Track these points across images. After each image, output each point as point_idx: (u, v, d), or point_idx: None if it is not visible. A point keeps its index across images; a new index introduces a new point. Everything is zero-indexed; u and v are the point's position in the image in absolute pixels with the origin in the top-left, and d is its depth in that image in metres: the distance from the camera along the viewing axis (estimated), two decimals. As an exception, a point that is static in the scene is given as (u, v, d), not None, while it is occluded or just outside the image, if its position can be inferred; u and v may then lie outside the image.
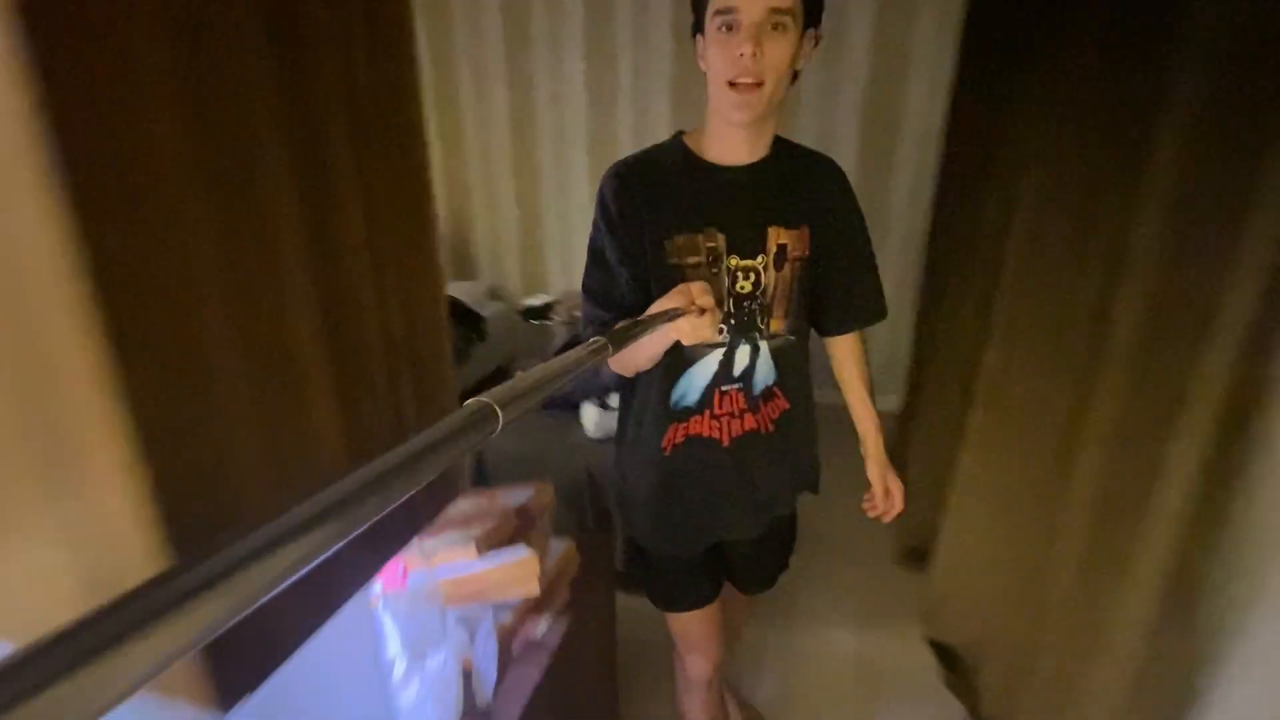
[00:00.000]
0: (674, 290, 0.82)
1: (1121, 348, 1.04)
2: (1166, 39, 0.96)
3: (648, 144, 1.00)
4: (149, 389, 0.42)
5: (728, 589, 1.23)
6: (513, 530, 1.08)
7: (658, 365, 0.97)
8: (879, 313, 1.09)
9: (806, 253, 0.97)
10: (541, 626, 1.07)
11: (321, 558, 0.22)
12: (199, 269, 0.47)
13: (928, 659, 1.66)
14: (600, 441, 1.86)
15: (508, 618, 1.04)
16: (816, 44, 0.88)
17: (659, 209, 0.93)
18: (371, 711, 0.83)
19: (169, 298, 0.45)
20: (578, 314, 1.35)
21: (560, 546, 1.17)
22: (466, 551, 0.99)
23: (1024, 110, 1.41)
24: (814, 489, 1.18)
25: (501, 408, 0.34)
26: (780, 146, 0.97)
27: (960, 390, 1.62)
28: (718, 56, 0.83)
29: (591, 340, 0.54)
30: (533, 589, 1.02)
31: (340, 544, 0.24)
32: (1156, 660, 0.95)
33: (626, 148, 1.25)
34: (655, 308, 0.83)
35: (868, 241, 1.05)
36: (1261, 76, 0.83)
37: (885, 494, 1.11)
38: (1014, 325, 1.38)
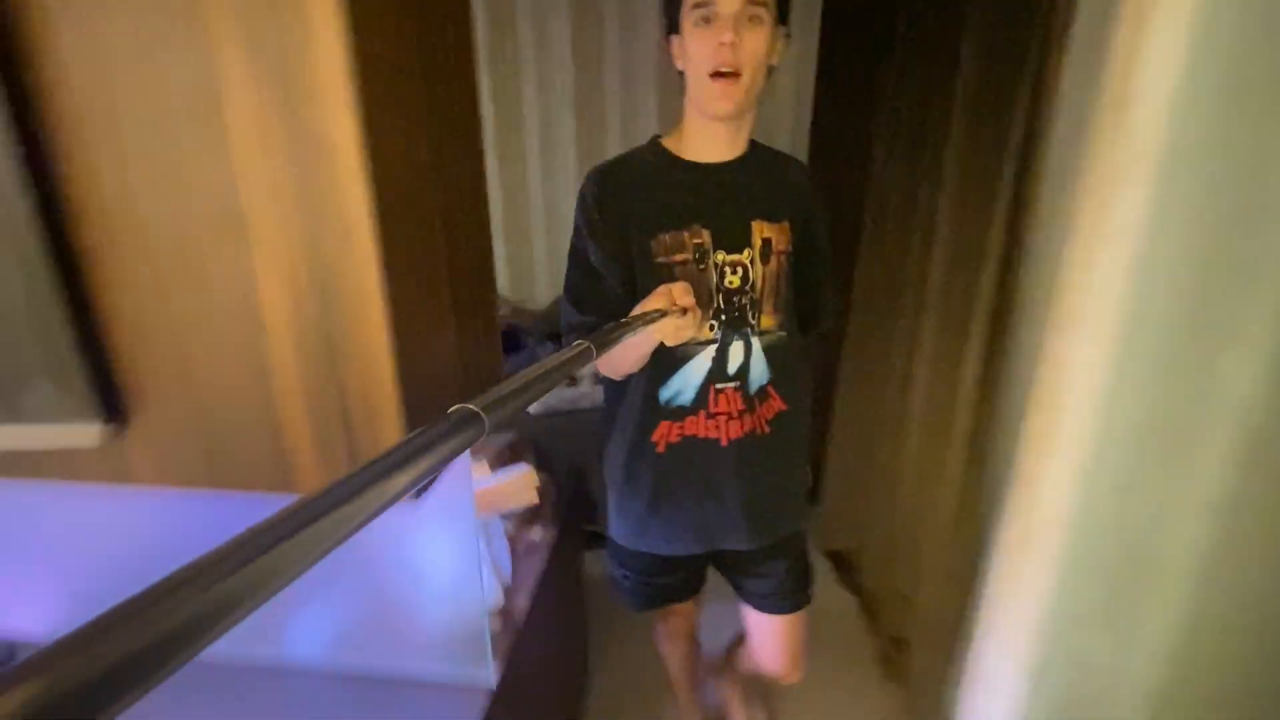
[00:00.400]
0: (655, 292, 0.83)
1: (934, 298, 1.51)
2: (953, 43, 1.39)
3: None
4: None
5: (757, 628, 1.22)
6: (509, 456, 1.35)
7: (650, 364, 0.97)
8: (836, 311, 1.14)
9: (789, 247, 0.98)
10: (537, 532, 1.35)
11: (312, 562, 0.23)
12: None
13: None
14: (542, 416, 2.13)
15: (510, 526, 1.31)
16: (787, 41, 0.91)
17: (643, 208, 0.94)
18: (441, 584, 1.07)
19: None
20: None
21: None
22: (481, 468, 1.25)
23: (872, 110, 1.83)
24: (811, 500, 1.23)
25: (487, 413, 0.35)
26: (755, 144, 0.99)
27: (833, 348, 2.08)
28: (697, 49, 0.85)
29: (574, 344, 0.53)
30: (532, 499, 1.30)
31: (331, 548, 0.24)
32: (965, 504, 1.40)
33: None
34: (638, 310, 0.83)
35: (828, 240, 1.08)
36: (1002, 64, 1.26)
37: None
38: (867, 292, 1.86)
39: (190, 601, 0.18)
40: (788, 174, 1.01)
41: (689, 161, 0.95)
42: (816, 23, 2.07)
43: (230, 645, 0.27)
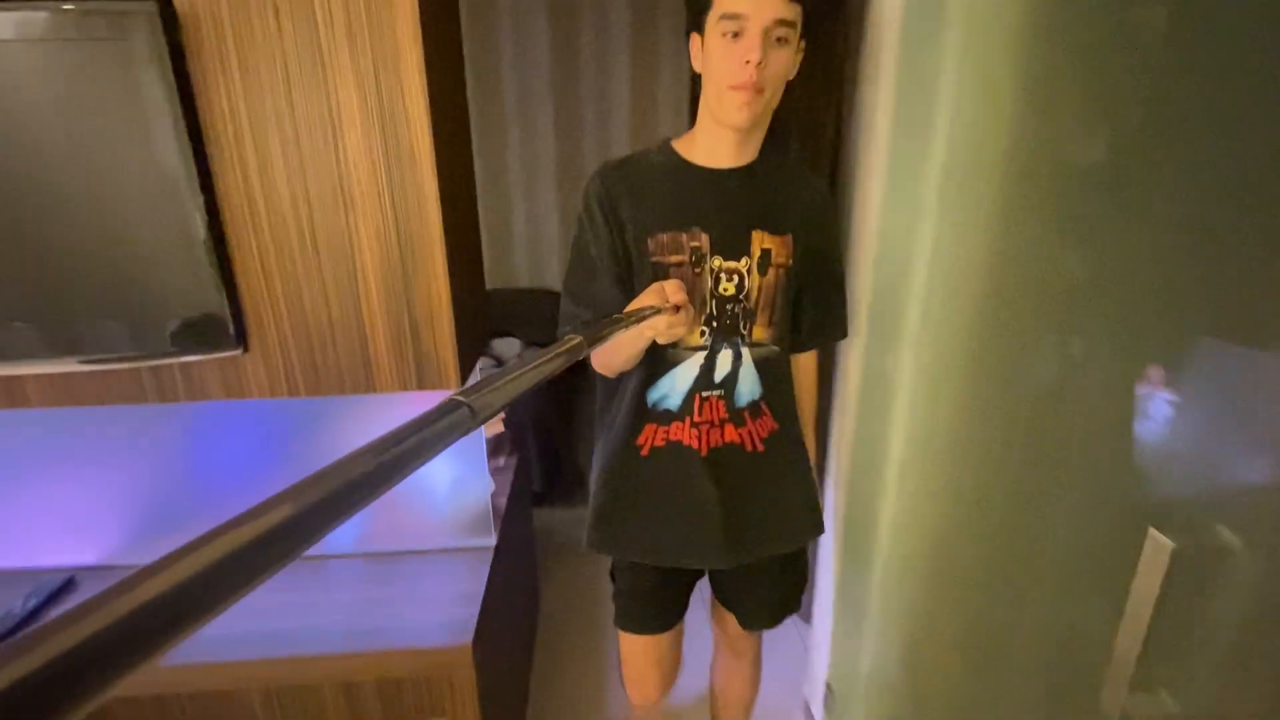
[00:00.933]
0: (648, 289, 0.82)
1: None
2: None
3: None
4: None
5: (731, 638, 1.24)
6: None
7: (640, 365, 0.98)
8: (842, 332, 1.13)
9: (789, 261, 0.97)
10: (501, 459, 1.69)
11: (295, 554, 0.23)
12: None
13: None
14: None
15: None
16: (802, 53, 0.89)
17: (643, 206, 0.94)
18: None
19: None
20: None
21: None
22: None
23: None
24: (819, 528, 1.13)
25: (475, 406, 0.35)
26: (767, 154, 0.98)
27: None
28: (722, 62, 0.84)
29: (566, 338, 0.53)
30: (499, 428, 1.64)
31: (314, 540, 0.24)
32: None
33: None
34: (632, 306, 0.83)
35: (841, 260, 1.09)
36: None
37: None
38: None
39: (209, 567, 0.20)
40: (799, 188, 1.00)
41: (696, 165, 0.95)
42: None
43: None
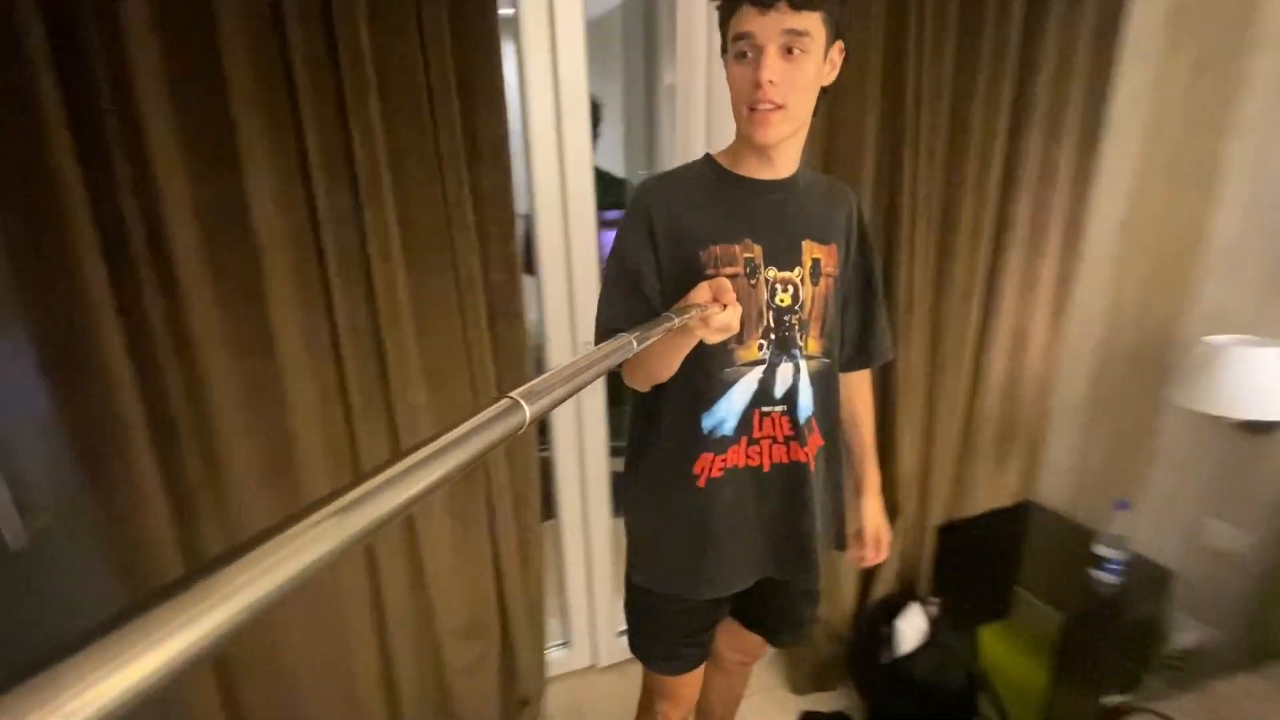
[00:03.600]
0: (697, 287, 0.76)
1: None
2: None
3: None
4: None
5: (744, 655, 1.25)
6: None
7: (693, 390, 0.93)
8: (888, 351, 1.09)
9: (837, 271, 0.97)
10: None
11: (351, 545, 0.24)
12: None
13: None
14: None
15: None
16: (845, 56, 0.87)
17: (696, 219, 0.91)
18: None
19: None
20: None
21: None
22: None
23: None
24: (841, 545, 1.11)
25: (529, 404, 0.35)
26: (805, 165, 0.97)
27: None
28: (736, 82, 0.83)
29: (616, 336, 0.52)
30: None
31: (371, 534, 0.25)
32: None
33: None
34: (680, 305, 0.76)
35: (876, 271, 1.05)
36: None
37: (876, 540, 1.12)
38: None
39: (286, 558, 0.22)
40: (836, 199, 1.00)
41: (741, 176, 0.93)
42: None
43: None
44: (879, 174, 1.45)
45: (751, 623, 1.16)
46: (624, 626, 1.85)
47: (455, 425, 0.31)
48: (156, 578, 1.13)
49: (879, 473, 1.14)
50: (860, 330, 1.06)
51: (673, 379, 0.90)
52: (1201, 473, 1.57)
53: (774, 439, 0.97)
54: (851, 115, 1.38)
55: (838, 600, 1.69)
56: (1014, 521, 1.86)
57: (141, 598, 0.18)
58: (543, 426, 1.66)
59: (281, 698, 1.28)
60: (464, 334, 1.25)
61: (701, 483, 0.96)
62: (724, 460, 0.95)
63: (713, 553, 0.98)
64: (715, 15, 0.87)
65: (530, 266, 1.45)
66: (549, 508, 1.72)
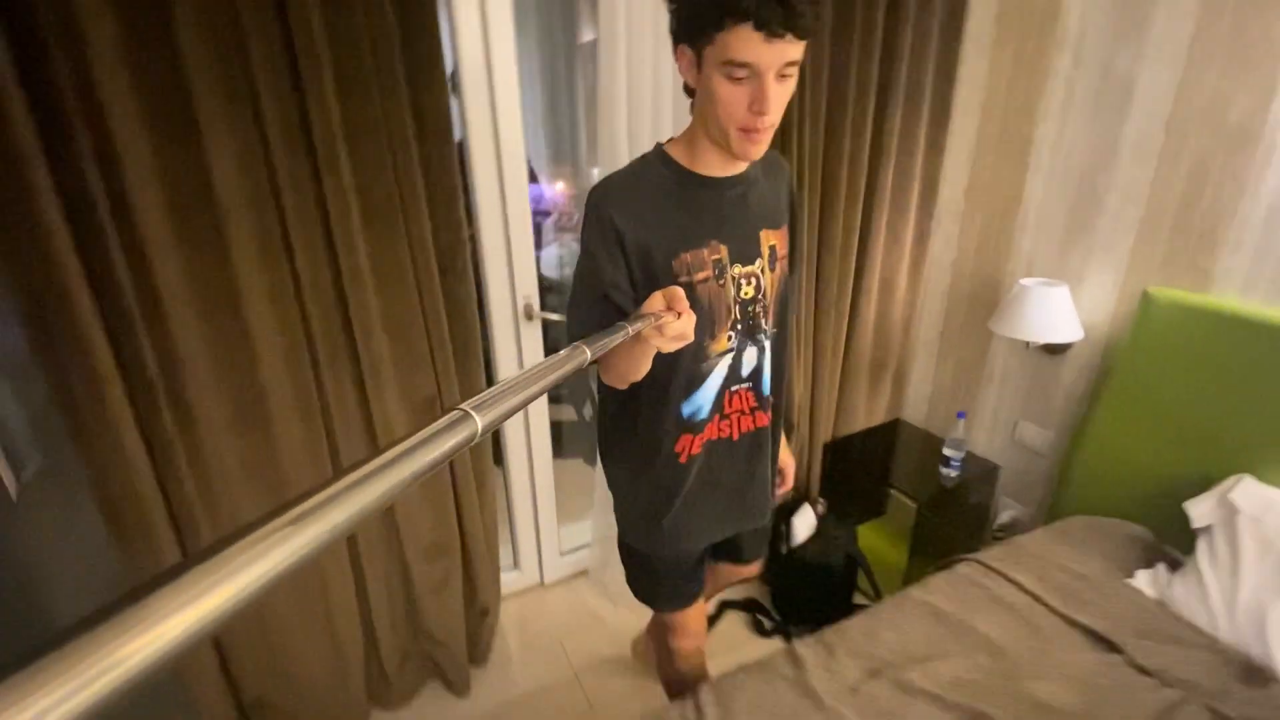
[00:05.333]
0: (651, 297, 0.76)
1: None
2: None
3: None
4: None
5: (726, 578, 1.43)
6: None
7: (672, 383, 0.99)
8: (795, 310, 1.19)
9: (787, 250, 1.03)
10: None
11: (300, 561, 0.24)
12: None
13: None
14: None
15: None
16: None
17: (663, 228, 0.91)
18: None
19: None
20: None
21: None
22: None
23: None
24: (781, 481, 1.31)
25: (480, 415, 0.35)
26: None
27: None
28: (728, 103, 0.81)
29: (571, 346, 0.53)
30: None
31: (320, 548, 0.25)
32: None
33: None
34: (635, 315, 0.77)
35: (801, 240, 1.13)
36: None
37: (788, 474, 1.33)
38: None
39: (223, 577, 0.21)
40: (778, 174, 1.04)
41: (703, 176, 0.93)
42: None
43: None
44: (773, 149, 1.70)
45: (727, 555, 1.35)
46: (568, 547, 2.12)
47: (407, 436, 0.32)
48: (142, 527, 1.22)
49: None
50: (790, 292, 1.09)
51: (648, 375, 0.91)
52: (1017, 386, 2.00)
53: (742, 411, 1.06)
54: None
55: (746, 509, 2.02)
56: (886, 436, 2.26)
57: (94, 613, 0.19)
58: (489, 381, 1.82)
59: (260, 626, 1.42)
60: (418, 289, 1.39)
61: (683, 459, 1.04)
62: (702, 438, 1.04)
63: (692, 513, 1.10)
64: None
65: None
66: (498, 453, 1.91)
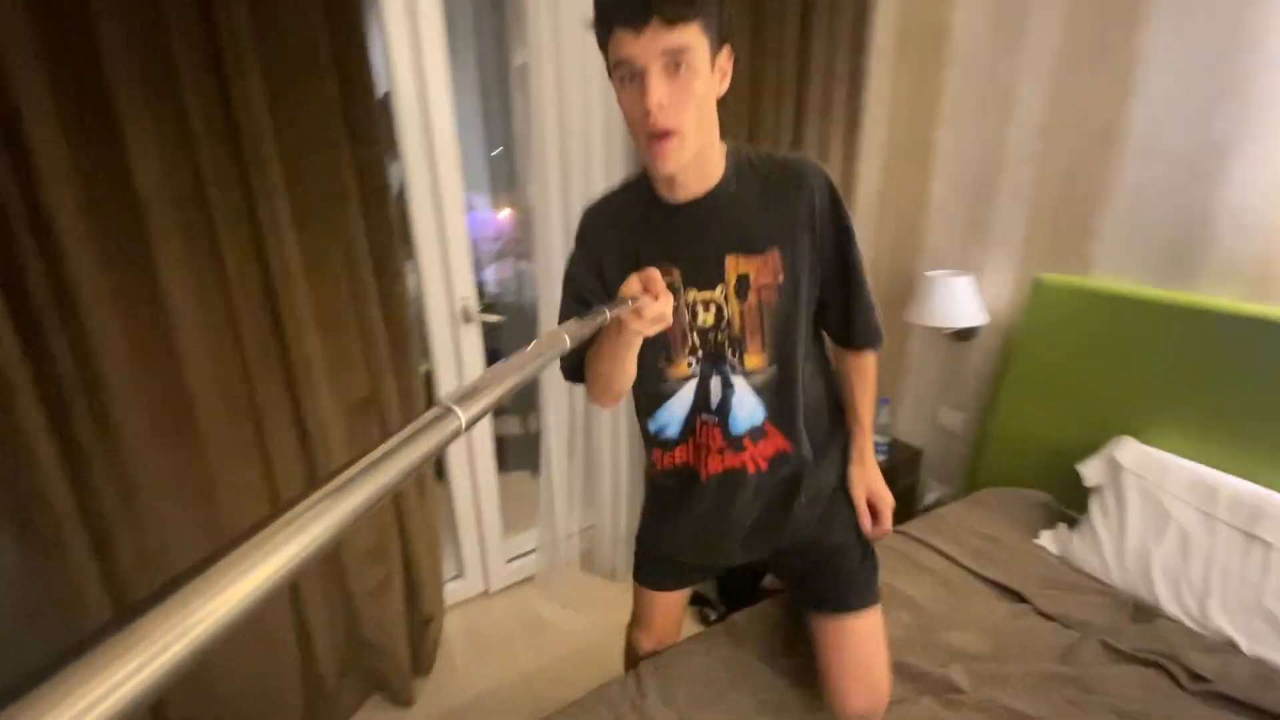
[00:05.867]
0: (629, 279, 0.75)
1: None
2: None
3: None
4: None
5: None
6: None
7: (639, 395, 1.02)
8: (874, 336, 1.01)
9: (779, 278, 0.91)
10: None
11: (290, 566, 0.24)
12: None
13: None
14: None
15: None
16: (731, 60, 0.84)
17: (618, 249, 0.93)
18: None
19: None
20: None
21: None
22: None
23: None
24: (849, 532, 1.10)
25: (464, 410, 0.35)
26: (740, 164, 0.91)
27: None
28: (628, 110, 0.80)
29: (548, 333, 0.53)
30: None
31: (309, 552, 0.25)
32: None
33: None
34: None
35: (850, 257, 0.94)
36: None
37: (868, 506, 1.09)
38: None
39: (214, 583, 0.21)
40: (781, 192, 0.91)
41: (663, 200, 0.92)
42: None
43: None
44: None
45: (803, 597, 1.19)
46: (514, 554, 2.11)
47: (392, 437, 0.31)
48: (56, 543, 1.17)
49: (868, 445, 1.11)
50: (840, 317, 0.99)
51: (633, 385, 0.95)
52: (934, 373, 2.15)
53: (709, 448, 1.00)
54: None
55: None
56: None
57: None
58: (427, 381, 1.83)
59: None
60: (351, 288, 1.40)
61: (659, 466, 1.08)
62: (672, 457, 1.05)
63: (661, 519, 1.15)
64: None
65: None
66: (440, 467, 1.90)
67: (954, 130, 1.94)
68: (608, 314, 0.66)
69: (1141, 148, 1.57)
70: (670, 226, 0.92)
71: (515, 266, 2.96)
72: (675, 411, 1.01)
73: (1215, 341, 1.45)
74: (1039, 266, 1.81)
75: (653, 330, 0.77)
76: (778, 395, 0.98)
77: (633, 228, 0.95)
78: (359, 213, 1.37)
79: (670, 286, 0.86)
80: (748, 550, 1.11)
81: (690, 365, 0.98)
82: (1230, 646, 1.30)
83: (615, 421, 2.03)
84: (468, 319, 1.74)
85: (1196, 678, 1.22)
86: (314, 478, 1.44)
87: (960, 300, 1.86)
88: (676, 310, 0.89)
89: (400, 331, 1.50)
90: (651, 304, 0.73)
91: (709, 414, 0.99)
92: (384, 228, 1.43)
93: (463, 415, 0.35)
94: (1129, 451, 1.50)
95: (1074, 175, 1.70)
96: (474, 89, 2.99)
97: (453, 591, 2.00)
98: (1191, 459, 1.47)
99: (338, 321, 1.40)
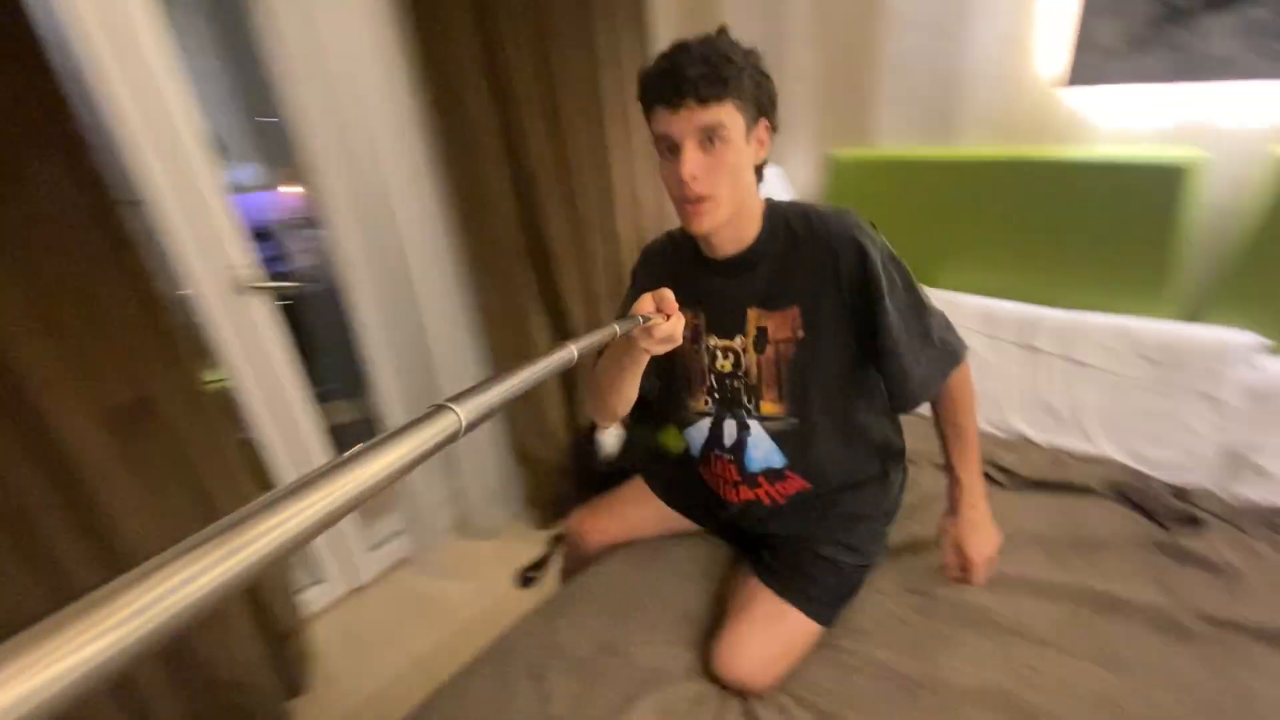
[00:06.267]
0: (641, 297, 0.77)
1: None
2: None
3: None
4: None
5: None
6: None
7: (669, 410, 1.11)
8: (922, 392, 0.96)
9: (798, 335, 0.93)
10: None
11: (282, 552, 0.24)
12: None
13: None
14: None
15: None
16: (773, 131, 0.88)
17: (656, 286, 0.88)
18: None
19: None
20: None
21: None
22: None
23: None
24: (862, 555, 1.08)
25: (465, 413, 0.34)
26: (776, 224, 0.93)
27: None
28: (666, 178, 0.86)
29: (556, 345, 0.53)
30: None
31: (303, 541, 0.25)
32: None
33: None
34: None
35: (882, 321, 0.90)
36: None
37: (952, 560, 1.00)
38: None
39: (212, 563, 0.22)
40: (811, 254, 0.91)
41: (702, 255, 0.98)
42: None
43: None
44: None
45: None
46: (377, 540, 1.92)
47: (390, 433, 0.31)
48: None
49: (966, 485, 1.01)
50: (888, 380, 0.97)
51: (661, 399, 1.09)
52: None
53: (725, 480, 1.09)
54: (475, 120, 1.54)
55: (552, 441, 2.01)
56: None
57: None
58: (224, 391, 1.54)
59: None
60: (71, 269, 1.10)
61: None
62: (699, 467, 1.17)
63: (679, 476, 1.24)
64: None
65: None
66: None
67: (741, 19, 1.96)
68: (617, 329, 0.66)
69: (901, 18, 1.69)
70: (705, 276, 0.98)
71: (314, 236, 2.60)
72: (695, 439, 1.10)
73: (980, 187, 1.64)
74: (833, 145, 1.92)
75: (661, 349, 0.78)
76: (799, 446, 1.02)
77: (672, 271, 1.01)
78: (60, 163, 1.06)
79: (695, 329, 1.00)
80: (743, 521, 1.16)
81: (707, 404, 1.05)
82: (1028, 442, 1.53)
83: (457, 386, 1.88)
84: (239, 290, 1.46)
85: (1005, 471, 1.43)
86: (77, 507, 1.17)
87: (772, 189, 1.92)
88: (698, 353, 1.01)
89: (150, 313, 1.22)
90: (663, 324, 0.75)
91: (722, 450, 1.06)
92: (95, 185, 1.12)
93: (463, 415, 0.34)
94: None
95: (850, 51, 1.80)
96: (217, 46, 2.49)
97: (315, 597, 1.79)
98: (976, 293, 1.67)
99: (62, 315, 1.10)
